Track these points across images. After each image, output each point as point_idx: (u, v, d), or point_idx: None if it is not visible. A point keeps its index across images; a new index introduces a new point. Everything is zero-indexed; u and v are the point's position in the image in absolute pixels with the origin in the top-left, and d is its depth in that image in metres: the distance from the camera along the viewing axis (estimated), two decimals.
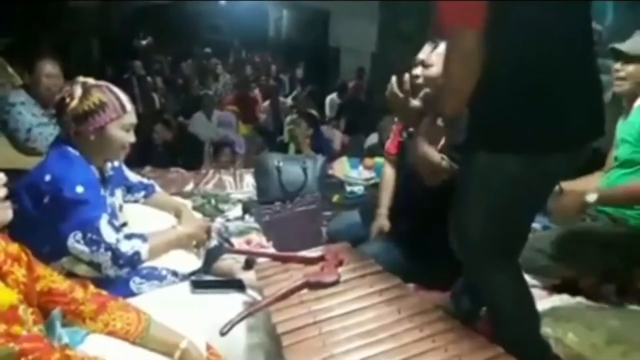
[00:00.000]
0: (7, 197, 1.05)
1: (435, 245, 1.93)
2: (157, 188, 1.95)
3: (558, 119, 1.22)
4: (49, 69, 2.66)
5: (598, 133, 1.32)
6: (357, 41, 8.40)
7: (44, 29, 7.07)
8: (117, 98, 1.54)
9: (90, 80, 1.55)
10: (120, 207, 1.74)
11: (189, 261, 1.67)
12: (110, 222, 1.54)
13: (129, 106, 1.57)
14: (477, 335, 1.18)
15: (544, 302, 1.81)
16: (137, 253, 1.53)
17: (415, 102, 1.65)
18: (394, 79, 1.62)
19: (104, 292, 1.29)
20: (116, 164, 1.73)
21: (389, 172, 2.26)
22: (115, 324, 1.21)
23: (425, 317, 1.24)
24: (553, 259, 1.96)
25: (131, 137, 1.59)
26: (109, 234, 1.48)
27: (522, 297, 1.44)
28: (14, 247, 1.13)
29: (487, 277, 1.39)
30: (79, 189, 1.44)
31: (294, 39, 12.48)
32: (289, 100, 7.41)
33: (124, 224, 1.69)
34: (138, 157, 3.93)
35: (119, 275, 1.51)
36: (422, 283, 1.90)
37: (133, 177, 1.89)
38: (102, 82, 1.57)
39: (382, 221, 2.10)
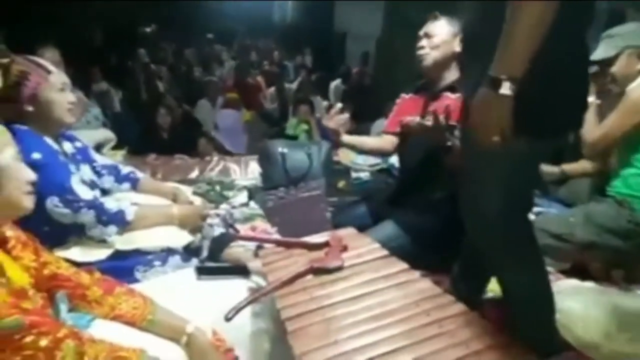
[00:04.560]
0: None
1: (441, 230, 1.94)
2: (139, 174, 1.94)
3: (565, 108, 1.26)
4: (48, 55, 2.64)
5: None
6: (363, 26, 8.32)
7: (47, 18, 7.04)
8: (37, 64, 1.57)
9: (4, 60, 1.55)
10: (107, 192, 1.77)
11: (180, 236, 1.67)
12: (83, 181, 1.56)
13: (51, 67, 1.59)
14: (485, 322, 1.16)
15: (553, 285, 1.80)
16: (121, 212, 1.55)
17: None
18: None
19: (110, 278, 1.29)
20: (79, 144, 1.75)
21: (388, 140, 2.29)
22: (122, 308, 1.22)
23: (432, 302, 1.22)
24: (556, 238, 1.96)
25: (69, 97, 1.61)
26: (84, 192, 1.52)
27: (540, 281, 1.44)
28: (24, 235, 1.15)
29: (509, 260, 1.39)
30: (36, 155, 1.45)
31: (299, 24, 12.38)
32: (294, 86, 7.35)
33: None
34: (142, 145, 3.95)
35: (123, 264, 1.51)
36: (430, 268, 1.90)
37: (101, 159, 1.88)
38: (18, 57, 1.58)
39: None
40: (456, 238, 2.04)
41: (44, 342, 0.94)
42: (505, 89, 1.14)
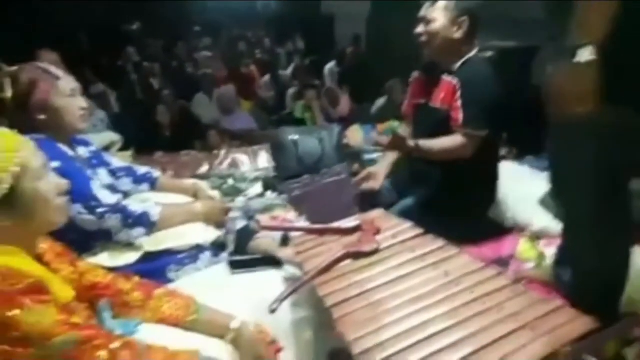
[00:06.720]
0: None
1: (462, 202, 1.92)
2: (156, 173, 1.92)
3: None
4: (50, 56, 2.61)
5: None
6: (350, 7, 8.21)
7: (30, 22, 6.94)
8: (45, 70, 1.55)
9: (12, 68, 1.53)
10: (126, 195, 1.74)
11: (208, 232, 1.67)
12: (104, 186, 1.55)
13: (59, 73, 1.57)
14: (530, 291, 1.16)
15: None
16: (146, 213, 1.54)
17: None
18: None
19: (148, 281, 1.28)
20: (93, 148, 1.73)
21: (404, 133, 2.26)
22: (164, 311, 1.21)
23: (474, 277, 1.22)
24: None
25: (80, 102, 1.58)
26: (106, 196, 1.50)
27: (624, 250, 1.42)
28: (58, 246, 1.13)
29: (597, 231, 1.36)
30: (55, 164, 1.41)
31: (285, 10, 12.22)
32: (287, 73, 7.28)
33: None
34: (146, 144, 3.91)
35: (154, 265, 1.51)
36: (461, 239, 1.88)
37: (117, 162, 1.86)
38: (25, 64, 1.55)
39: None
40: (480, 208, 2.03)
41: (100, 355, 0.92)
42: (581, 56, 1.11)
